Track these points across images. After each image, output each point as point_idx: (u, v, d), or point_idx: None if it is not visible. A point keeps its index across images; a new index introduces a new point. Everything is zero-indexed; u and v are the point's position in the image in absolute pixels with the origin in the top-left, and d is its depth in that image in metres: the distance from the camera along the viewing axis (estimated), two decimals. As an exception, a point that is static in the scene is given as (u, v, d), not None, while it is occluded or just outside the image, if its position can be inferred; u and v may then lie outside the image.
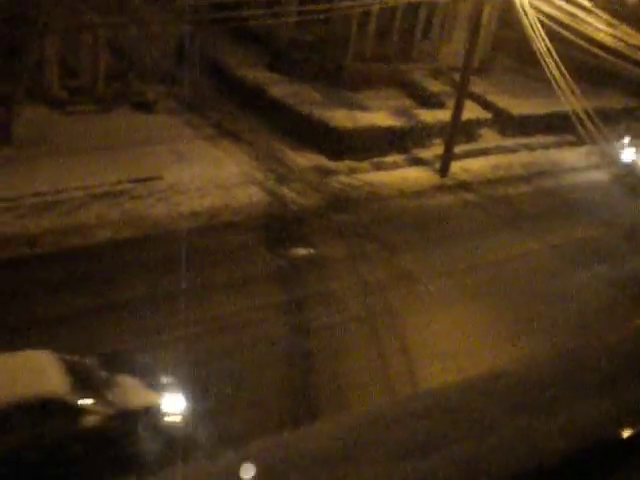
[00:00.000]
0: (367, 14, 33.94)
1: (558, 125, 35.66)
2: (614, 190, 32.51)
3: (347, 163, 30.05)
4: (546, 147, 36.07)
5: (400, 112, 33.00)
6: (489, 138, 35.33)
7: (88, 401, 13.94)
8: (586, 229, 28.53)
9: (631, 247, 27.68)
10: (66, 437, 13.65)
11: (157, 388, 15.04)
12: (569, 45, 31.31)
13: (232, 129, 30.89)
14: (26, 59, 25.63)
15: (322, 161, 29.77)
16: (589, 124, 29.04)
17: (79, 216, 22.77)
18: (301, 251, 23.60)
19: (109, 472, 13.53)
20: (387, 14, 35.93)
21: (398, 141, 31.85)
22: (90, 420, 13.77)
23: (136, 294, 19.96)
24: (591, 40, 30.12)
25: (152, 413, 14.51)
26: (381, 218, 26.57)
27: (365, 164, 30.38)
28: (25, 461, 13.22)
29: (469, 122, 33.30)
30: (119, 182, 24.95)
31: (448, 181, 30.36)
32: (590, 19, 29.77)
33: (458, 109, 29.93)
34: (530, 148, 35.48)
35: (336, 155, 30.11)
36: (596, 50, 30.49)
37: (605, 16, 29.77)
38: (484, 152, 33.97)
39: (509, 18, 34.07)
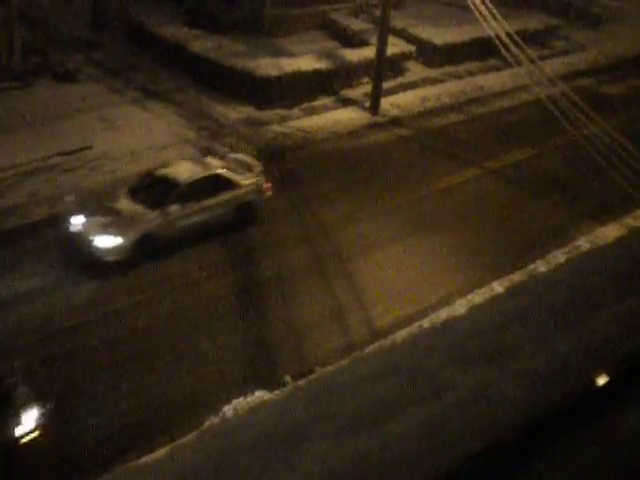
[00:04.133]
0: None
1: (482, 51, 35.77)
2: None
3: (277, 112, 29.94)
4: (472, 74, 36.22)
5: (325, 54, 32.80)
6: (416, 71, 35.37)
7: None
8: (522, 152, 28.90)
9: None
10: None
11: None
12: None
13: (158, 90, 30.52)
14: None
15: (252, 112, 29.60)
16: (512, 47, 29.09)
17: (11, 196, 22.38)
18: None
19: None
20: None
21: (326, 84, 31.75)
22: None
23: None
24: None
25: None
26: (317, 163, 26.59)
27: (295, 110, 30.29)
28: None
29: (394, 57, 33.23)
30: (49, 157, 24.57)
31: (379, 118, 30.37)
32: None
33: (382, 45, 29.86)
34: (457, 76, 35.61)
35: (265, 104, 29.97)
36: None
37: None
38: (412, 85, 34.03)
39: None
